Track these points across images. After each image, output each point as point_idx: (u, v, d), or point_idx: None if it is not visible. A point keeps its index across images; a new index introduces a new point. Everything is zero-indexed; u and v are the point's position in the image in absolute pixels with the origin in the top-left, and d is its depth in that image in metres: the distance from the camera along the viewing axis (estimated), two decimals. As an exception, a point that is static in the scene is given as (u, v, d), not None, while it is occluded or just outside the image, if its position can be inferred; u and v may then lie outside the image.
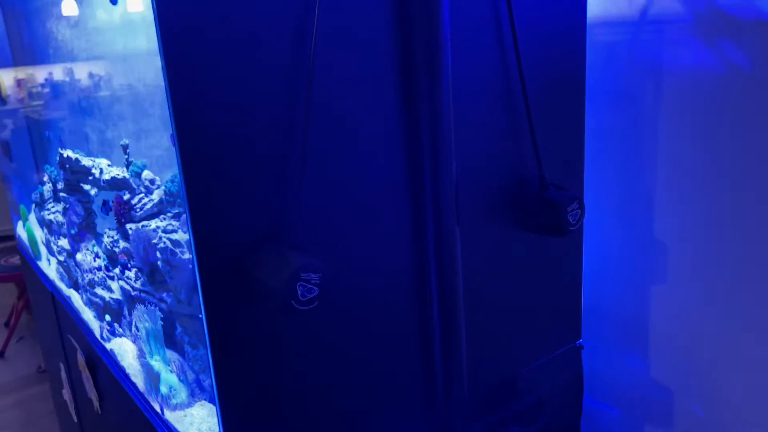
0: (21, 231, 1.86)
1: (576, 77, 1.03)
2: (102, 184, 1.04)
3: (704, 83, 1.00)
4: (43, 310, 1.77)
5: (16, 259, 3.56)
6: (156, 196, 0.92)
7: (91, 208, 1.17)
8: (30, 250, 1.76)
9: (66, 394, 1.71)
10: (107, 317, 1.16)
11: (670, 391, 1.17)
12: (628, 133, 1.13)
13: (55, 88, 1.30)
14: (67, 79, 1.19)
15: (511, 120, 0.96)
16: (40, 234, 1.63)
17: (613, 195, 1.17)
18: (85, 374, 1.37)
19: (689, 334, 1.11)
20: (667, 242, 1.11)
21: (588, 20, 1.02)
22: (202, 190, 0.71)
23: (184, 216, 0.84)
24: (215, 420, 0.78)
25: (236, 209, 0.74)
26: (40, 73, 1.43)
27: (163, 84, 0.67)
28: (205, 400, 0.91)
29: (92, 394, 1.37)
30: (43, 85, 1.43)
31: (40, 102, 1.48)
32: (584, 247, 1.12)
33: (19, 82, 1.58)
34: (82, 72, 1.10)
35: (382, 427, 0.91)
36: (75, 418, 1.68)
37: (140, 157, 0.94)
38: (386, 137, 0.84)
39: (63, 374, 1.67)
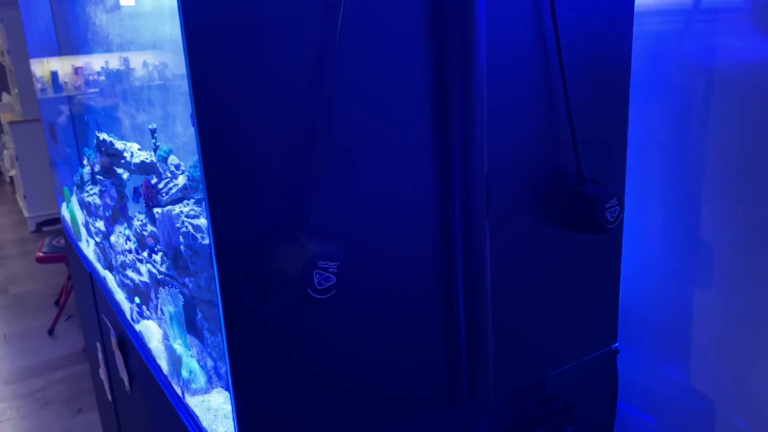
0: (65, 212, 1.91)
1: (621, 67, 0.98)
2: (132, 167, 1.05)
3: (759, 78, 0.94)
4: (83, 290, 1.82)
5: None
6: (181, 181, 0.92)
7: (124, 192, 1.18)
8: (72, 231, 1.81)
9: (102, 373, 1.75)
10: (136, 299, 1.17)
11: (711, 402, 1.10)
12: (675, 129, 1.07)
13: (94, 74, 1.32)
14: (104, 65, 1.20)
15: (549, 110, 0.92)
16: (80, 215, 1.66)
17: (657, 193, 1.11)
18: (118, 354, 1.40)
19: (734, 342, 1.05)
20: (713, 244, 1.04)
21: (636, 8, 0.97)
22: (221, 174, 0.70)
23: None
24: (230, 408, 0.77)
25: (256, 195, 0.72)
26: (87, 61, 1.46)
27: (184, 67, 0.66)
28: (222, 387, 0.90)
29: (123, 374, 1.39)
30: (87, 72, 1.46)
31: (84, 88, 1.51)
32: (623, 246, 1.07)
33: (77, 70, 1.61)
34: (116, 59, 1.11)
35: (401, 427, 0.89)
36: (110, 397, 1.72)
37: (167, 143, 0.94)
38: (414, 124, 0.81)
39: (99, 354, 1.70)
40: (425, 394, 0.90)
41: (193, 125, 0.68)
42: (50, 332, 3.52)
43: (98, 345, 1.70)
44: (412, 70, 0.79)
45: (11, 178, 6.80)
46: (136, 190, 1.06)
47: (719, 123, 1.00)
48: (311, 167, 0.74)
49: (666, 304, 1.13)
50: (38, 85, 1.96)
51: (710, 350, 1.09)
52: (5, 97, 6.20)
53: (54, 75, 1.69)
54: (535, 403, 1.03)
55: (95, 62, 1.27)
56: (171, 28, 0.75)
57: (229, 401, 0.85)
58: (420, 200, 0.83)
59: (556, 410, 1.05)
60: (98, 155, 1.21)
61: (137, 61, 0.99)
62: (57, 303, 3.82)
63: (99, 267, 1.51)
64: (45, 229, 5.62)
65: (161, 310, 1.01)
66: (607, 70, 0.96)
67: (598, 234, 0.96)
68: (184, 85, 0.68)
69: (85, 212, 1.58)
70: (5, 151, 6.32)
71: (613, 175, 1.01)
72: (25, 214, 5.64)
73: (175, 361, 0.97)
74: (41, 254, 3.42)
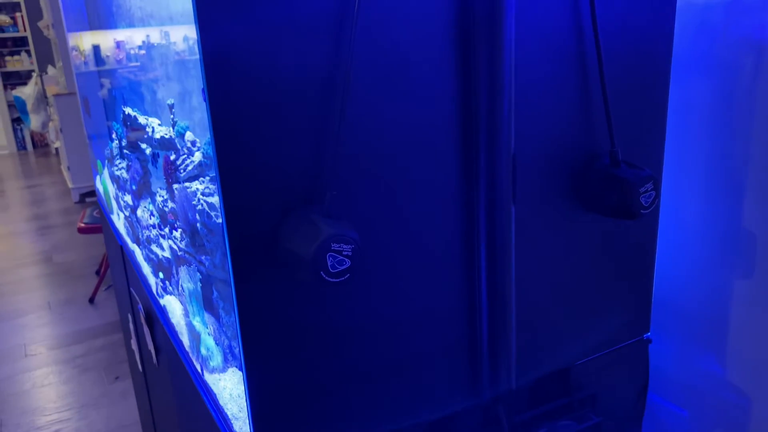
0: (99, 185, 1.94)
1: (661, 42, 0.92)
2: (154, 143, 1.04)
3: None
4: (115, 262, 1.85)
5: (105, 212, 3.76)
6: (197, 157, 0.91)
7: (147, 167, 1.18)
8: (105, 203, 1.83)
9: (133, 343, 1.78)
10: (160, 274, 1.18)
11: (747, 396, 1.05)
12: (718, 110, 1.00)
13: (120, 48, 1.31)
14: (126, 39, 1.19)
15: (582, 86, 0.87)
16: (111, 188, 1.68)
17: (696, 177, 1.05)
18: (145, 328, 1.41)
19: (775, 336, 0.99)
20: (756, 232, 0.98)
21: (679, -22, 0.90)
22: (233, 152, 0.68)
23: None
24: (243, 388, 0.76)
25: (269, 173, 0.70)
26: (113, 35, 1.46)
27: (196, 41, 0.64)
28: (236, 367, 0.89)
29: (150, 347, 1.41)
30: (114, 46, 1.45)
31: (112, 62, 1.51)
32: (659, 232, 1.02)
33: (114, 44, 1.61)
34: (136, 33, 1.10)
35: (418, 414, 0.87)
36: (140, 367, 1.75)
37: (184, 119, 0.93)
38: (436, 100, 0.77)
39: (131, 325, 1.73)
40: (444, 381, 0.88)
41: (205, 100, 0.66)
42: (91, 301, 3.62)
43: (129, 317, 1.73)
44: (434, 43, 0.75)
45: (56, 149, 6.99)
46: (156, 155, 1.05)
47: (766, 104, 0.93)
48: (327, 146, 0.72)
49: (702, 293, 1.08)
50: (74, 59, 1.98)
51: (747, 342, 1.03)
52: (51, 70, 6.35)
53: (88, 49, 1.70)
54: (560, 392, 1.00)
55: (120, 36, 1.27)
56: (184, 1, 0.73)
57: (242, 382, 0.84)
58: (441, 181, 0.80)
59: (582, 400, 1.02)
60: (124, 129, 1.21)
61: (156, 35, 0.98)
62: (97, 273, 3.92)
63: (128, 240, 1.53)
64: (88, 200, 5.76)
65: (181, 286, 1.01)
66: (646, 44, 0.90)
67: (632, 219, 0.91)
68: (198, 60, 0.66)
69: (115, 186, 1.59)
70: (51, 123, 6.48)
71: (649, 157, 0.96)
72: (69, 185, 5.79)
73: (195, 337, 0.97)
74: (82, 225, 3.50)
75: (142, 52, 1.10)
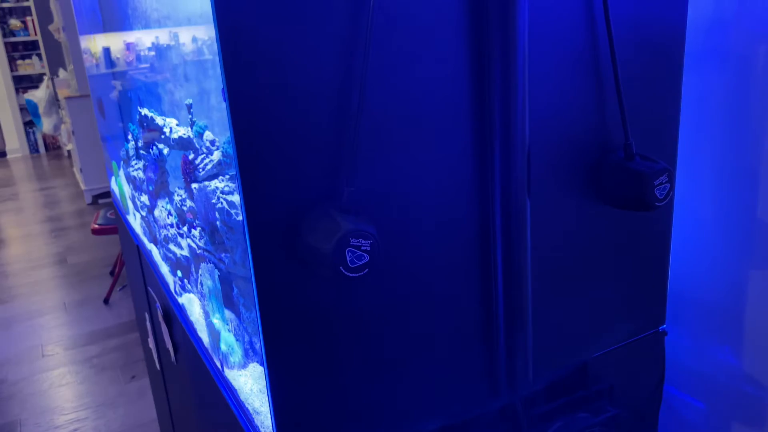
0: (114, 186, 1.96)
1: (675, 33, 0.92)
2: (171, 143, 1.05)
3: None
4: (131, 262, 1.87)
5: (118, 213, 3.80)
6: (216, 157, 0.92)
7: (165, 167, 1.19)
8: (121, 204, 1.85)
9: (150, 342, 1.80)
10: (179, 273, 1.19)
11: (765, 388, 1.05)
12: (732, 102, 1.00)
13: (136, 50, 1.33)
14: (142, 40, 1.21)
15: (596, 79, 0.87)
16: (127, 189, 1.70)
17: (712, 168, 1.05)
18: (163, 326, 1.43)
19: (792, 327, 0.99)
20: (772, 224, 0.98)
21: (692, -31, 0.91)
22: (253, 150, 0.69)
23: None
24: (264, 383, 0.78)
25: (288, 170, 0.71)
26: (128, 37, 1.47)
27: (215, 39, 0.65)
28: (257, 362, 0.91)
29: (169, 345, 1.43)
30: (130, 48, 1.47)
31: (127, 64, 1.53)
32: (674, 224, 1.02)
33: (128, 46, 1.63)
34: (153, 34, 1.11)
35: (436, 408, 0.88)
36: (158, 366, 1.77)
37: (203, 119, 0.94)
38: (452, 94, 0.77)
39: (147, 324, 1.75)
40: (461, 375, 0.89)
41: (225, 100, 0.67)
42: (106, 301, 3.66)
43: (146, 315, 1.75)
44: (448, 35, 0.75)
45: (69, 152, 7.05)
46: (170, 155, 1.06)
47: (782, 93, 0.93)
48: (345, 141, 0.73)
49: (719, 285, 1.08)
50: (87, 61, 2.00)
51: (764, 334, 1.03)
52: (62, 73, 6.40)
53: (102, 51, 1.72)
54: (577, 385, 1.01)
55: (135, 38, 1.28)
56: (202, 0, 0.74)
57: (263, 377, 0.85)
58: (457, 174, 0.81)
59: (598, 392, 1.02)
60: (141, 130, 1.23)
61: (173, 36, 0.99)
62: (112, 273, 3.96)
63: (145, 240, 1.54)
64: (100, 201, 5.81)
65: (201, 284, 1.02)
66: (659, 36, 0.90)
67: (646, 211, 0.91)
68: (217, 60, 0.67)
69: (131, 186, 1.61)
70: (63, 126, 6.54)
71: (663, 150, 0.96)
72: (82, 186, 5.84)
73: (215, 334, 0.99)
74: (96, 226, 3.54)
75: (158, 53, 1.11)
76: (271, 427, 0.79)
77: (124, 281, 3.83)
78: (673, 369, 1.17)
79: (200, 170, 0.93)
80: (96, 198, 5.80)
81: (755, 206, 1.00)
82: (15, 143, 7.91)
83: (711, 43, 1.00)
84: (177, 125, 1.07)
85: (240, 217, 0.84)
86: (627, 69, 0.88)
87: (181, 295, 1.21)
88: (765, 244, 0.99)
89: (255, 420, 0.86)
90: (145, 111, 1.17)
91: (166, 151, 1.16)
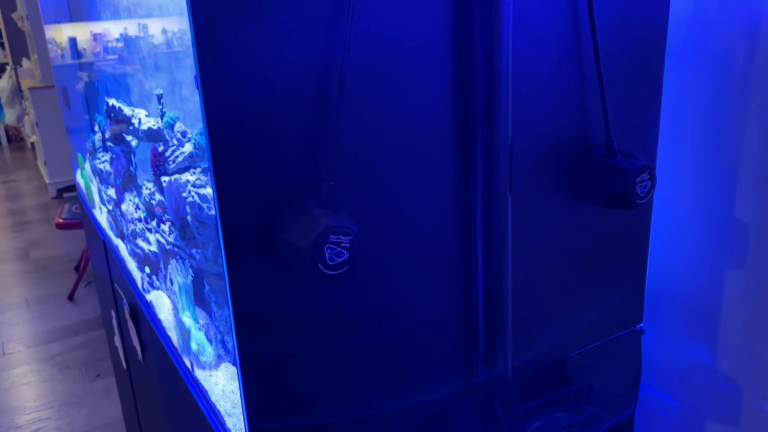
0: (80, 179, 1.90)
1: (656, 31, 0.91)
2: (140, 134, 1.01)
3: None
4: (97, 257, 1.81)
5: (84, 207, 3.70)
6: (187, 148, 0.88)
7: (132, 159, 1.15)
8: (86, 197, 1.79)
9: (117, 340, 1.75)
10: (147, 269, 1.15)
11: (739, 386, 1.06)
12: (713, 100, 1.00)
13: (104, 40, 1.28)
14: (111, 30, 1.16)
15: (578, 77, 0.86)
16: (93, 182, 1.64)
17: (690, 167, 1.05)
18: (130, 324, 1.38)
19: (766, 326, 1.00)
20: (749, 223, 0.98)
21: (673, -34, 0.90)
22: (227, 141, 0.66)
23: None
24: (237, 383, 0.75)
25: (264, 163, 0.68)
26: (97, 26, 1.42)
27: (188, 24, 0.62)
28: (229, 362, 0.88)
29: (136, 344, 1.38)
30: (98, 37, 1.42)
31: (94, 54, 1.47)
32: (651, 223, 1.02)
33: (95, 36, 1.58)
34: (122, 23, 1.07)
35: (413, 407, 0.86)
36: (124, 365, 1.72)
37: (174, 110, 0.90)
38: (433, 90, 0.75)
39: (114, 321, 1.70)
40: (440, 374, 0.87)
41: (198, 88, 0.64)
42: (70, 298, 3.56)
43: (112, 313, 1.70)
44: (431, 33, 0.73)
45: (32, 144, 6.86)
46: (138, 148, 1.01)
47: (761, 94, 0.93)
48: (324, 133, 0.70)
49: (695, 284, 1.08)
50: (52, 51, 1.93)
51: (740, 333, 1.04)
52: (26, 62, 6.22)
53: (68, 40, 1.66)
54: (555, 384, 1.00)
55: (103, 27, 1.23)
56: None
57: (235, 377, 0.82)
58: (438, 171, 0.79)
59: (576, 392, 1.02)
60: (108, 121, 1.18)
61: (142, 25, 0.95)
62: (77, 269, 3.86)
63: (111, 235, 1.49)
64: (65, 195, 5.66)
65: (170, 280, 0.98)
66: (641, 34, 0.90)
67: (627, 209, 0.91)
68: (190, 50, 0.64)
69: (97, 179, 1.56)
70: (26, 117, 6.36)
71: (644, 147, 0.96)
72: (46, 180, 5.69)
73: (185, 333, 0.95)
74: (60, 220, 3.44)
75: (126, 42, 1.07)
76: (243, 430, 0.76)
77: (90, 277, 3.73)
78: (650, 368, 1.18)
79: (170, 162, 0.89)
80: (61, 191, 5.66)
81: (732, 205, 1.00)
82: (-24, 134, 7.67)
83: (692, 41, 1.00)
84: (146, 116, 1.03)
85: (212, 212, 0.80)
86: (609, 66, 0.87)
87: (149, 292, 1.17)
88: (742, 244, 1.00)
89: (227, 422, 0.83)
90: (112, 101, 1.12)
91: (134, 142, 1.12)
